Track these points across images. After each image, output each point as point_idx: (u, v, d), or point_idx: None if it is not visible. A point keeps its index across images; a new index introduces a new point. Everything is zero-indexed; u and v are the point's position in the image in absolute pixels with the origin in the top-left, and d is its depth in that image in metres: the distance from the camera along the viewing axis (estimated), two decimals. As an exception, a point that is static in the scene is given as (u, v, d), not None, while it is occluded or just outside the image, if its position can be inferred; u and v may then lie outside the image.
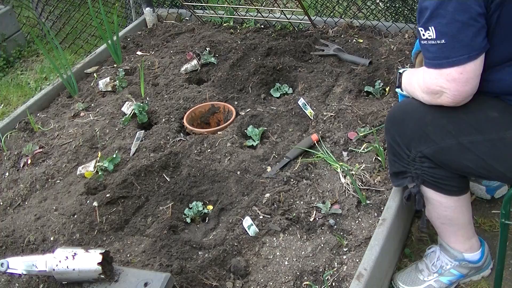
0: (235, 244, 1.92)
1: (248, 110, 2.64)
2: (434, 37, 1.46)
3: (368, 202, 2.01)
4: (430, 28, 1.46)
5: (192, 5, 3.67)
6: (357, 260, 1.79)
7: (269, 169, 2.24)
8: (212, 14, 3.65)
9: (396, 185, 1.83)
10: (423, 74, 1.56)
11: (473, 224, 1.85)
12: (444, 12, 1.42)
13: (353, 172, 2.12)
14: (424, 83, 1.56)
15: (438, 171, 1.64)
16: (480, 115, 1.55)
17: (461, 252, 1.82)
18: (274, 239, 1.93)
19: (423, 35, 1.49)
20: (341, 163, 2.16)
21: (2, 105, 3.85)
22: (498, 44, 1.48)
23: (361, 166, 2.15)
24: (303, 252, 1.85)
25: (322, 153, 2.24)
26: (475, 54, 1.43)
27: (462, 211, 1.74)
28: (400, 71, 1.84)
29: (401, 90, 1.84)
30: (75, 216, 2.16)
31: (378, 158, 2.16)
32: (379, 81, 2.61)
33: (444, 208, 1.72)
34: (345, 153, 2.23)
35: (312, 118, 2.48)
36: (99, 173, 2.35)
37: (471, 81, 1.47)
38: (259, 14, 3.48)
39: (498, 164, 1.55)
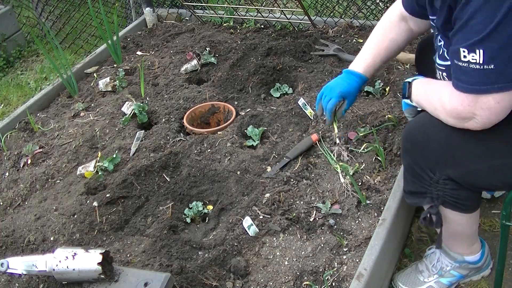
0: (235, 244, 1.92)
1: (248, 110, 2.64)
2: (481, 62, 1.33)
3: (368, 202, 2.01)
4: (477, 51, 1.33)
5: (192, 5, 3.67)
6: (357, 260, 1.79)
7: (269, 169, 2.24)
8: (212, 14, 3.65)
9: (411, 203, 1.75)
10: (451, 96, 1.44)
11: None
12: (498, 36, 1.30)
13: (353, 172, 2.12)
14: (452, 107, 1.45)
15: (462, 192, 1.58)
16: (510, 135, 1.48)
17: (462, 255, 1.82)
18: (274, 239, 1.93)
19: (464, 56, 1.35)
20: (341, 163, 2.16)
21: (2, 105, 3.85)
22: None
23: (361, 166, 2.15)
24: (303, 252, 1.85)
25: (323, 152, 2.24)
26: None
27: (472, 225, 1.74)
28: (409, 80, 1.75)
29: (410, 101, 1.74)
30: (75, 216, 2.16)
31: (378, 158, 2.16)
32: (379, 81, 2.61)
33: (456, 224, 1.70)
34: (345, 153, 2.23)
35: (312, 118, 2.48)
36: (99, 173, 2.35)
37: (505, 111, 1.40)
38: (259, 14, 3.48)
39: None
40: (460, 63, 1.38)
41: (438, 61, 1.63)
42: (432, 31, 1.82)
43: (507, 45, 1.30)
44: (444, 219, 1.68)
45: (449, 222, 1.69)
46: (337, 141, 2.21)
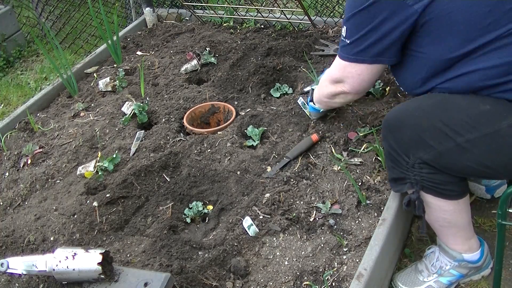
0: (235, 244, 1.92)
1: (248, 110, 2.64)
2: (344, 36, 1.73)
3: (368, 202, 2.01)
4: (343, 27, 1.72)
5: (192, 5, 3.67)
6: (357, 260, 1.79)
7: (269, 169, 2.24)
8: (212, 14, 3.65)
9: (395, 190, 1.82)
10: (331, 66, 1.89)
11: (473, 224, 1.85)
12: (352, 20, 1.69)
13: (353, 172, 2.13)
14: (330, 73, 1.91)
15: (438, 176, 1.62)
16: (473, 110, 1.54)
17: (460, 253, 1.82)
18: (274, 239, 1.93)
19: (342, 31, 1.74)
20: (341, 163, 2.16)
21: (2, 105, 3.85)
22: (444, 40, 1.56)
23: (361, 166, 2.15)
24: (303, 252, 1.85)
25: (324, 153, 2.24)
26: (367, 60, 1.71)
27: (461, 214, 1.74)
28: (313, 87, 2.21)
29: (313, 104, 2.23)
30: (75, 216, 2.16)
31: (378, 158, 2.16)
32: (379, 81, 2.61)
33: (443, 212, 1.71)
34: (345, 153, 2.23)
35: (310, 117, 2.48)
36: (99, 173, 2.35)
37: (366, 82, 1.80)
38: (259, 14, 3.48)
39: (499, 158, 1.53)
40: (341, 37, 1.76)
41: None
42: None
43: (358, 28, 1.66)
44: (428, 205, 1.71)
45: (435, 209, 1.71)
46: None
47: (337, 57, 1.81)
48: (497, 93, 1.55)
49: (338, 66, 1.82)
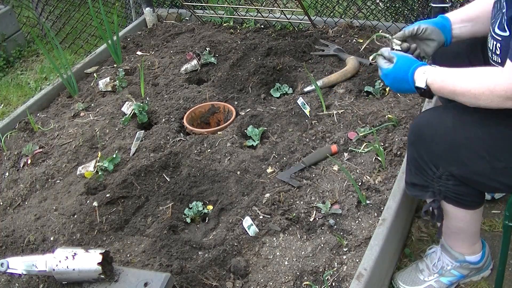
0: (235, 244, 1.92)
1: (248, 110, 2.64)
2: None
3: (368, 202, 2.01)
4: None
5: (192, 5, 3.67)
6: (357, 260, 1.79)
7: (269, 169, 2.24)
8: (212, 14, 3.65)
9: (412, 195, 1.76)
10: (506, 71, 1.36)
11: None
12: None
13: (353, 172, 2.12)
14: (506, 82, 1.36)
15: (463, 188, 1.59)
16: None
17: (463, 255, 1.82)
18: (274, 239, 1.93)
19: None
20: (341, 163, 2.16)
21: (2, 105, 3.85)
22: None
23: (361, 166, 2.15)
24: (303, 252, 1.85)
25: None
26: None
27: (475, 223, 1.74)
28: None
29: (425, 87, 1.57)
30: (75, 216, 2.16)
31: (378, 158, 2.16)
32: (379, 81, 2.61)
33: (459, 221, 1.71)
34: (345, 153, 2.23)
35: (310, 116, 2.48)
36: (99, 173, 2.35)
37: None
38: (259, 14, 3.48)
39: None
40: None
41: (496, 30, 1.51)
42: None
43: None
44: (446, 214, 1.69)
45: (451, 218, 1.70)
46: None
47: None
48: None
49: None
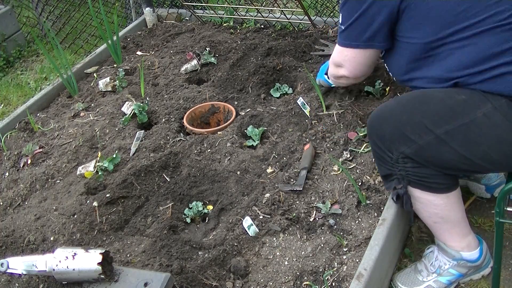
0: (235, 244, 1.92)
1: (248, 110, 2.64)
2: (340, 23, 1.81)
3: (368, 202, 2.01)
4: (340, 14, 1.81)
5: (192, 5, 3.67)
6: (357, 260, 1.79)
7: (269, 169, 2.23)
8: (212, 14, 3.65)
9: (387, 187, 1.83)
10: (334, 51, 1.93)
11: (473, 224, 1.84)
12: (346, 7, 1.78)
13: (353, 172, 2.12)
14: (332, 57, 1.97)
15: (422, 170, 1.64)
16: (449, 101, 1.58)
17: (459, 251, 1.82)
18: (274, 239, 1.93)
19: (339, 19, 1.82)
20: (341, 163, 2.16)
21: (2, 105, 3.85)
22: (422, 25, 1.63)
23: (361, 166, 2.15)
24: (303, 252, 1.85)
25: (321, 152, 2.24)
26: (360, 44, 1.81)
27: (453, 208, 1.74)
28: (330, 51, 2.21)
29: (327, 77, 2.26)
30: (75, 216, 2.16)
31: (378, 158, 2.16)
32: (379, 81, 2.61)
33: (434, 206, 1.72)
34: (345, 153, 2.23)
35: (310, 116, 2.48)
36: (99, 173, 2.35)
37: (362, 66, 1.90)
38: (259, 14, 3.48)
39: (475, 148, 1.55)
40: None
41: None
42: None
43: (350, 14, 1.76)
44: (418, 200, 1.73)
45: (425, 204, 1.72)
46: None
47: (336, 46, 1.91)
48: (472, 84, 1.59)
49: (337, 51, 1.91)
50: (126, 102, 2.81)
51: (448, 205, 1.72)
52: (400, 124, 1.62)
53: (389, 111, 1.68)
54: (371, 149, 1.80)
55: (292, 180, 2.14)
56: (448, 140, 1.56)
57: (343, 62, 1.91)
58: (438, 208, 1.72)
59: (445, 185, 1.68)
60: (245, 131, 2.48)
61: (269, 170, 2.24)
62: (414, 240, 2.10)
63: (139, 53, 3.41)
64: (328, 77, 2.28)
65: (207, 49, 3.15)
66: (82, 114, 2.87)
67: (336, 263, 1.80)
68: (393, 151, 1.66)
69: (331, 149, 2.27)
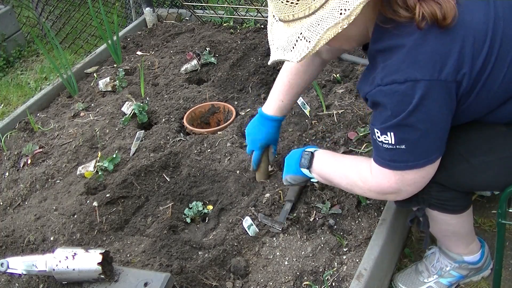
0: (235, 244, 1.92)
1: (248, 110, 2.64)
2: (393, 143, 1.38)
3: (368, 202, 2.01)
4: (388, 133, 1.38)
5: (192, 5, 3.67)
6: (357, 260, 1.79)
7: (269, 169, 2.23)
8: (212, 14, 3.65)
9: (400, 206, 1.72)
10: (375, 172, 1.48)
11: (473, 225, 1.84)
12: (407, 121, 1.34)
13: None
14: (377, 183, 1.49)
15: (446, 194, 1.58)
16: (488, 131, 1.50)
17: (461, 255, 1.82)
18: (274, 239, 1.93)
19: (378, 137, 1.41)
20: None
21: (2, 105, 3.85)
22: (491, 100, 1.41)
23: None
24: (303, 252, 1.85)
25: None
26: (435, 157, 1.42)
27: (464, 224, 1.73)
28: (311, 150, 1.72)
29: (309, 172, 1.72)
30: (75, 216, 2.16)
31: (378, 158, 2.15)
32: (379, 81, 2.61)
33: (448, 224, 1.70)
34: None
35: (310, 116, 2.48)
36: (99, 173, 2.35)
37: (426, 182, 1.49)
38: (259, 14, 3.48)
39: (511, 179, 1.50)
40: (376, 141, 1.43)
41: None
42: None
43: (414, 130, 1.35)
44: (433, 219, 1.67)
45: (439, 223, 1.69)
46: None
47: (383, 168, 1.46)
48: None
49: (393, 177, 1.45)
50: (126, 102, 2.81)
51: (461, 222, 1.70)
52: None
53: None
54: None
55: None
56: (484, 169, 1.49)
57: (405, 186, 1.47)
58: (451, 226, 1.70)
59: (463, 206, 1.64)
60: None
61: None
62: (414, 240, 2.10)
63: (139, 53, 3.41)
64: (309, 171, 1.75)
65: (207, 49, 3.15)
66: (82, 114, 2.87)
67: (336, 263, 1.80)
68: None
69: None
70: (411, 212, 1.69)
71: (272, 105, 1.97)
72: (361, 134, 2.29)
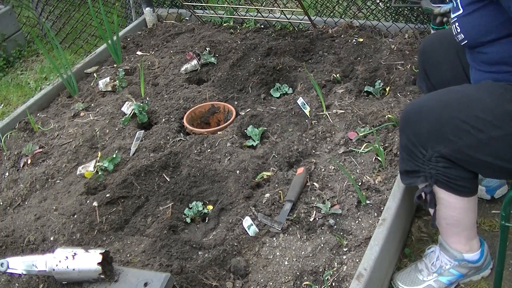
0: (235, 244, 1.92)
1: (248, 110, 2.64)
2: None
3: (368, 202, 2.01)
4: None
5: (192, 5, 3.67)
6: (357, 260, 1.79)
7: (271, 168, 2.23)
8: (212, 14, 3.65)
9: (406, 183, 1.80)
10: None
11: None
12: None
13: (353, 172, 2.12)
14: None
15: (453, 171, 1.63)
16: (498, 109, 1.56)
17: (461, 253, 1.82)
18: (274, 239, 1.93)
19: None
20: (341, 164, 2.16)
21: (2, 105, 3.85)
22: None
23: (361, 166, 2.15)
24: (303, 252, 1.85)
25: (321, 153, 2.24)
26: None
27: (469, 213, 1.74)
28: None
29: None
30: (75, 216, 2.16)
31: (378, 158, 2.16)
32: (379, 81, 2.62)
33: (453, 209, 1.72)
34: (345, 153, 2.23)
35: (310, 116, 2.48)
36: (99, 173, 2.35)
37: None
38: (259, 14, 3.48)
39: None
40: None
41: (453, 14, 1.74)
42: None
43: None
44: (440, 201, 1.71)
45: (445, 205, 1.71)
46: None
47: None
48: None
49: None
50: (126, 102, 2.81)
51: (466, 209, 1.72)
52: (440, 123, 1.60)
53: (428, 108, 1.64)
54: (400, 143, 1.74)
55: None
56: (492, 144, 1.55)
57: None
58: (457, 211, 1.72)
59: (469, 188, 1.68)
60: (245, 131, 2.48)
61: (271, 169, 2.23)
62: (414, 240, 2.10)
63: (139, 53, 3.41)
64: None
65: (207, 49, 3.15)
66: (82, 114, 2.87)
67: (336, 263, 1.80)
68: (428, 149, 1.63)
69: (331, 149, 2.27)
70: (425, 217, 1.71)
71: None
72: (361, 134, 2.29)
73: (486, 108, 1.56)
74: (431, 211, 1.74)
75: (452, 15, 1.75)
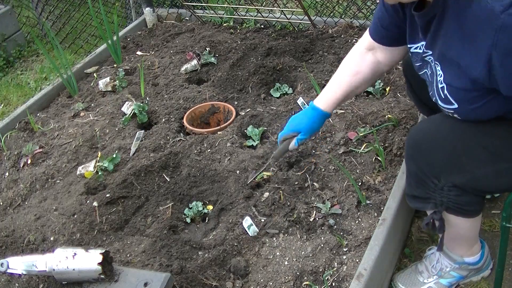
0: (235, 244, 1.92)
1: (248, 110, 2.64)
2: None
3: (368, 202, 2.01)
4: None
5: (192, 5, 3.67)
6: (357, 260, 1.79)
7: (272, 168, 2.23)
8: (212, 14, 3.65)
9: (414, 207, 1.73)
10: None
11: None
12: None
13: (353, 172, 2.12)
14: None
15: (464, 198, 1.57)
16: None
17: (462, 257, 1.82)
18: (274, 239, 1.93)
19: None
20: (341, 164, 2.16)
21: (2, 105, 3.85)
22: None
23: (361, 166, 2.15)
24: (303, 252, 1.85)
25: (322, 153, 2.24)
26: None
27: (474, 228, 1.73)
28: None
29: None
30: (75, 216, 2.16)
31: (378, 158, 2.16)
32: (379, 81, 2.61)
33: (460, 228, 1.70)
34: (345, 153, 2.23)
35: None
36: (99, 173, 2.35)
37: None
38: (259, 14, 3.48)
39: None
40: None
41: (442, 105, 1.53)
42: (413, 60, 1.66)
43: None
44: (447, 223, 1.66)
45: (452, 226, 1.69)
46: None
47: None
48: None
49: None
50: (126, 102, 2.81)
51: (472, 226, 1.70)
52: (455, 153, 1.51)
53: (442, 137, 1.54)
54: (408, 169, 1.66)
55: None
56: (507, 174, 1.49)
57: None
58: (463, 229, 1.71)
59: (478, 209, 1.64)
60: (245, 131, 2.48)
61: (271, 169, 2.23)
62: (414, 240, 2.10)
63: (139, 53, 3.41)
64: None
65: (207, 49, 3.15)
66: (82, 114, 2.87)
67: (336, 263, 1.80)
68: (441, 179, 1.55)
69: (331, 149, 2.27)
70: (424, 216, 1.69)
71: (322, 98, 1.86)
72: (361, 134, 2.29)
73: (503, 136, 1.48)
74: (440, 235, 1.70)
75: (443, 105, 1.52)
